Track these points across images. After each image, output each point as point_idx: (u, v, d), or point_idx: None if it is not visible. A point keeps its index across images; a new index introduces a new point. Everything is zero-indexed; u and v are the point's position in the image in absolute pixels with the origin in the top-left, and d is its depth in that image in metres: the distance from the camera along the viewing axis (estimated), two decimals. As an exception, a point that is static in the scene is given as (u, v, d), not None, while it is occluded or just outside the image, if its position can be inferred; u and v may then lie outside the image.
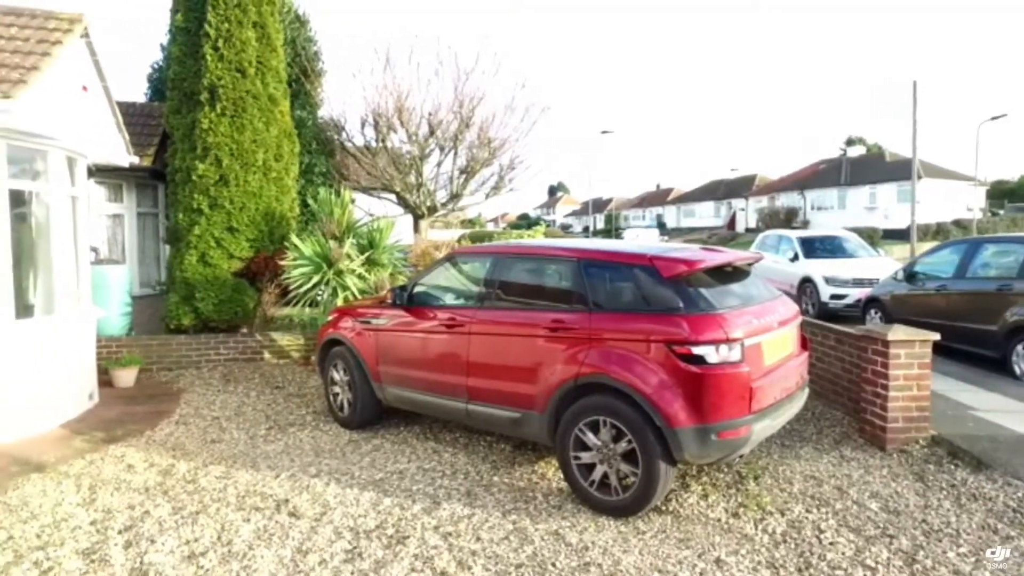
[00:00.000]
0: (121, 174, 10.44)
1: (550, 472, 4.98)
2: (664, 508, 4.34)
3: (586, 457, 4.36)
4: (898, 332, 5.23)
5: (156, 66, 15.12)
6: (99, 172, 9.67)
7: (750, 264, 5.06)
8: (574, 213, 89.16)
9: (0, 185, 5.74)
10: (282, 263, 8.25)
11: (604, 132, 46.40)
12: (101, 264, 8.93)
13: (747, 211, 52.56)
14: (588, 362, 4.33)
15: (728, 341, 3.98)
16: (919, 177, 25.31)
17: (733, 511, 4.29)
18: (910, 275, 9.42)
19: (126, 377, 7.78)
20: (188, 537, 4.02)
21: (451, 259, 5.85)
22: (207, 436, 6.02)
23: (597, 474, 4.31)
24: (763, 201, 49.88)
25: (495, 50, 14.84)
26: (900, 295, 9.39)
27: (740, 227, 51.32)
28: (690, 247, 5.16)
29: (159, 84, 14.20)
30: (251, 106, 9.29)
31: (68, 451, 5.61)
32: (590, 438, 4.32)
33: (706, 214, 60.50)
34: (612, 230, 58.13)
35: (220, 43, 9.15)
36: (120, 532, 4.10)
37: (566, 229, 75.87)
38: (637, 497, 4.15)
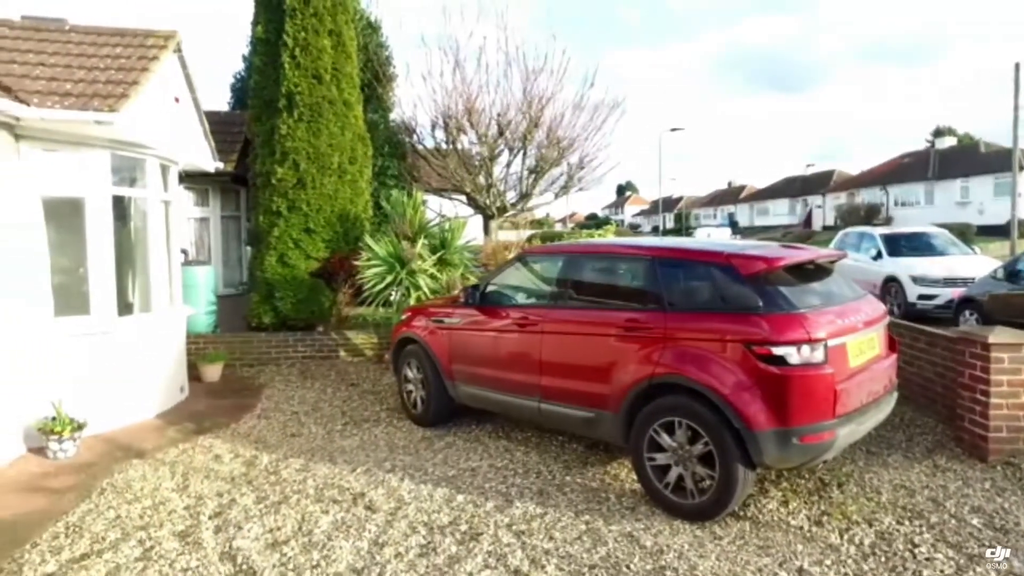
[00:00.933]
0: (207, 179, 10.98)
1: (623, 473, 4.92)
2: (742, 513, 4.21)
3: (661, 459, 4.28)
4: (1001, 334, 4.89)
5: (238, 76, 15.85)
6: (187, 178, 10.21)
7: (833, 262, 4.85)
8: (642, 213, 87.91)
9: (105, 192, 6.15)
10: (356, 263, 8.48)
11: (674, 129, 45.52)
12: (190, 265, 9.42)
13: (824, 208, 50.44)
14: (663, 362, 4.26)
15: (810, 341, 3.83)
16: (1021, 168, 23.52)
17: (816, 519, 4.12)
18: (1012, 273, 8.80)
19: (212, 372, 8.18)
20: (271, 525, 4.19)
21: (523, 258, 5.87)
22: (287, 430, 6.25)
23: (672, 476, 4.23)
24: (841, 198, 47.74)
25: (563, 47, 14.75)
26: (1001, 295, 8.79)
27: (817, 225, 49.28)
28: (769, 244, 5.00)
29: (241, 93, 14.88)
30: (327, 111, 9.60)
31: (163, 440, 5.95)
32: (665, 439, 4.24)
33: (780, 212, 58.42)
34: (682, 229, 56.99)
35: (297, 52, 9.50)
36: (210, 518, 4.31)
37: (635, 229, 74.88)
38: (714, 501, 4.05)
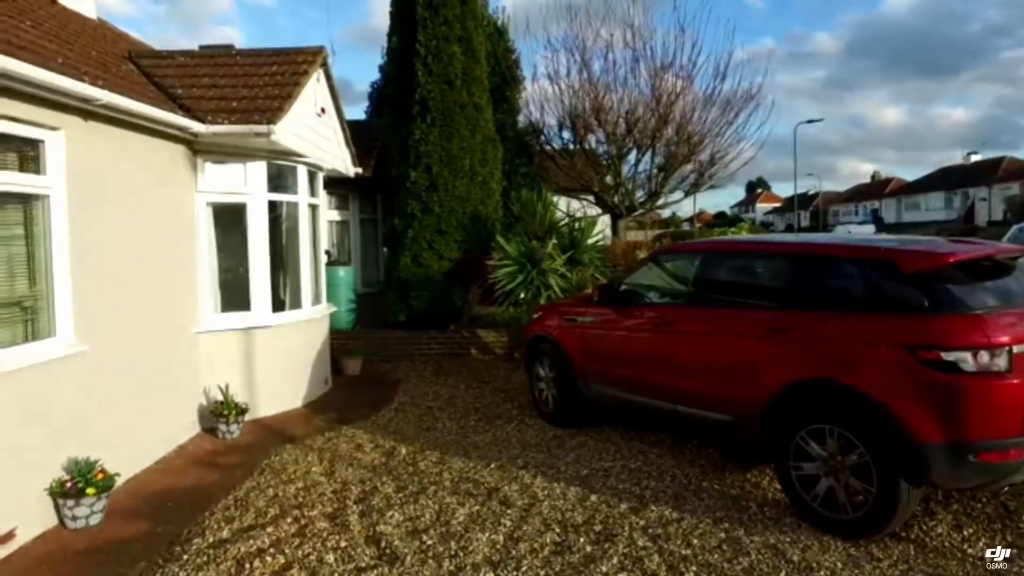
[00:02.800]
0: (347, 185, 11.67)
1: (764, 482, 4.67)
2: (903, 535, 3.85)
3: (808, 468, 4.01)
4: None
5: (375, 86, 16.74)
6: (329, 183, 10.91)
7: (1014, 258, 4.32)
8: (776, 210, 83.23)
9: (263, 198, 6.71)
10: (488, 263, 8.68)
11: (811, 121, 42.75)
12: (332, 266, 10.05)
13: (989, 201, 45.21)
14: (811, 364, 3.99)
15: (990, 346, 3.43)
16: None
17: (1002, 552, 3.65)
18: None
19: (353, 366, 8.69)
20: (411, 514, 4.37)
21: (657, 257, 5.74)
22: (423, 424, 6.50)
23: (821, 488, 3.95)
24: (1014, 188, 42.58)
25: (692, 41, 14.23)
26: None
27: (980, 219, 44.24)
28: (935, 239, 4.55)
29: (377, 102, 15.71)
30: (458, 115, 9.91)
31: (311, 428, 6.39)
32: (813, 448, 3.97)
33: (934, 206, 53.04)
34: (819, 227, 53.36)
35: (429, 59, 9.88)
36: (355, 502, 4.57)
37: (767, 227, 71.08)
38: (871, 518, 3.73)
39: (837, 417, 3.87)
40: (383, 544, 3.95)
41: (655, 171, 15.23)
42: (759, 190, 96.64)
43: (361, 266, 12.42)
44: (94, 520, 4.27)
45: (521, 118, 15.55)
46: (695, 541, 3.86)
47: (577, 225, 9.08)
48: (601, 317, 5.69)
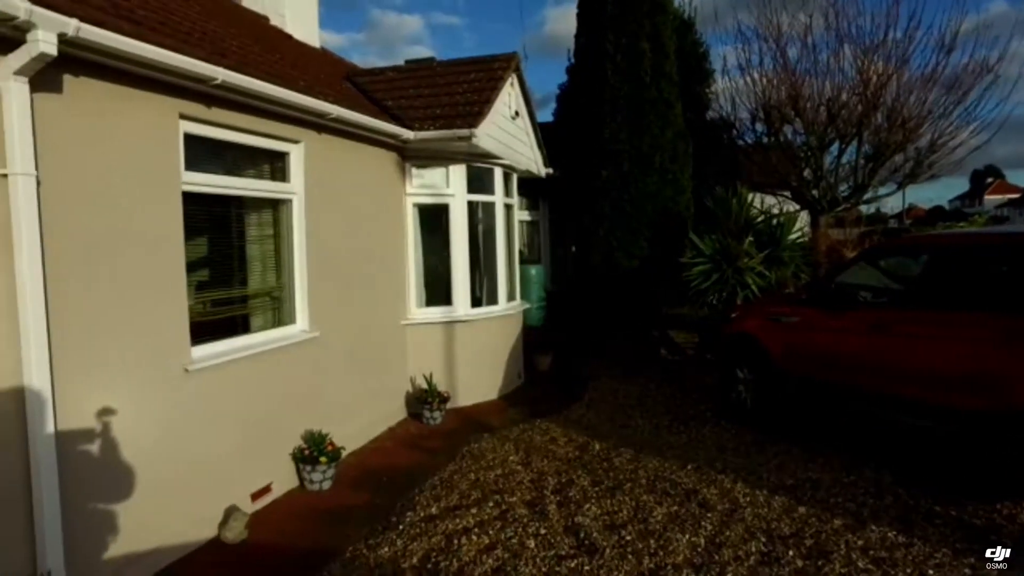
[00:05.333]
0: (538, 185, 12.00)
1: (1023, 515, 4.04)
2: None
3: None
4: None
5: (563, 88, 17.02)
6: (521, 184, 11.29)
7: None
8: (1011, 203, 71.74)
9: (463, 199, 7.14)
10: (680, 261, 8.45)
11: (1063, 96, 36.18)
12: (524, 264, 10.39)
13: None
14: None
15: None
16: None
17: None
18: None
19: (543, 362, 8.91)
20: (608, 508, 4.38)
21: (872, 253, 5.22)
22: (615, 421, 6.48)
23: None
24: None
25: (909, 14, 12.69)
26: None
27: None
28: None
29: (566, 104, 15.95)
30: (648, 112, 9.77)
31: (506, 419, 6.66)
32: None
33: None
34: (1073, 221, 45.02)
35: (618, 57, 9.85)
36: (552, 492, 4.68)
37: (1000, 222, 61.52)
38: None
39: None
40: (582, 535, 4.01)
41: (861, 162, 13.82)
42: (990, 179, 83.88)
43: (550, 264, 12.69)
44: (326, 485, 4.83)
45: (711, 113, 14.97)
46: (931, 572, 3.44)
47: (775, 222, 8.52)
48: (810, 317, 5.29)
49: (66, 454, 3.17)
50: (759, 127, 14.53)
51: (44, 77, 3.03)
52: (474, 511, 4.39)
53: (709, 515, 4.20)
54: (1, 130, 2.89)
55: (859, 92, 13.16)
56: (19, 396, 2.99)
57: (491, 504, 4.51)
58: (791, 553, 3.69)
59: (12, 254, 2.94)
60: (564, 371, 8.80)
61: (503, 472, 5.12)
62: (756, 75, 13.89)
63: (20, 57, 2.83)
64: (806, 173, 13.83)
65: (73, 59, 3.13)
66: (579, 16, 11.52)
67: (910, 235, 6.38)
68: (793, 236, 8.47)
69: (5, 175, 2.91)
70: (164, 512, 3.78)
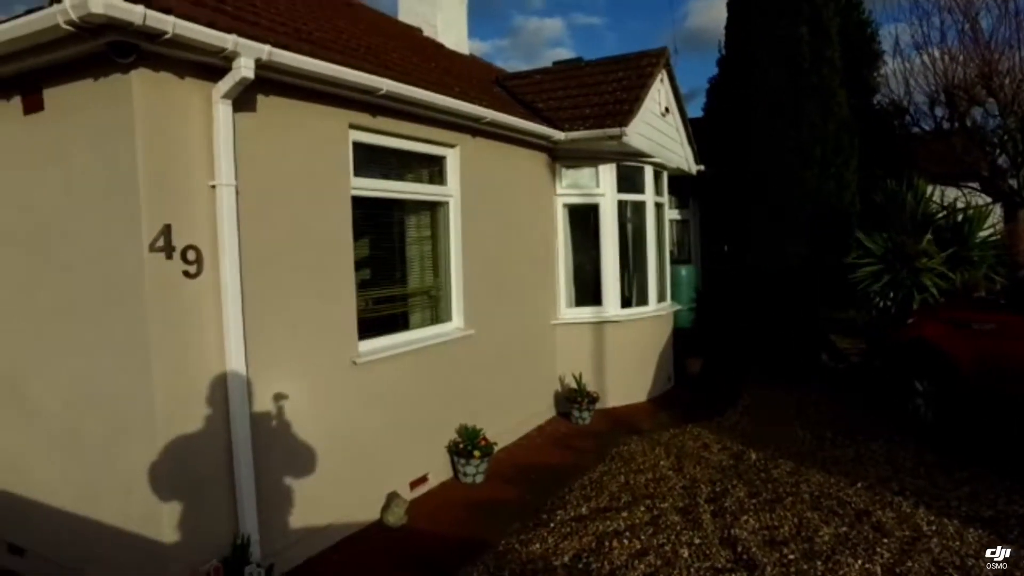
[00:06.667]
0: (687, 183, 11.62)
1: None
2: None
3: None
4: None
5: (712, 81, 16.33)
6: (671, 182, 10.98)
7: None
8: None
9: (612, 198, 7.08)
10: (845, 261, 7.80)
11: None
12: (674, 264, 10.10)
13: None
14: None
15: None
16: None
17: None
18: None
19: (694, 365, 8.61)
20: (767, 523, 4.14)
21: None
22: (772, 430, 6.12)
23: None
24: None
25: None
26: None
27: None
28: None
29: (716, 98, 15.29)
30: (806, 101, 9.10)
31: (656, 422, 6.52)
32: None
33: None
34: None
35: (773, 44, 9.25)
36: (706, 501, 4.51)
37: None
38: None
39: None
40: (739, 549, 3.83)
41: (1074, 145, 11.96)
42: None
43: (701, 265, 12.24)
44: (478, 479, 5.00)
45: (879, 97, 13.67)
46: None
47: (960, 217, 7.60)
48: (1011, 324, 4.67)
49: (256, 435, 3.55)
50: (939, 111, 13.06)
51: (241, 98, 3.40)
52: (624, 514, 4.34)
53: (885, 541, 3.84)
54: (211, 146, 3.29)
55: (1070, 65, 11.45)
56: (223, 383, 3.38)
57: (642, 508, 4.43)
58: (990, 594, 3.29)
59: (218, 256, 3.33)
60: (716, 375, 8.46)
61: (654, 476, 5.01)
62: (936, 52, 12.51)
63: (227, 82, 3.22)
64: (1001, 160, 12.23)
65: (262, 80, 3.48)
66: (730, 4, 11.01)
67: None
68: (984, 233, 7.51)
69: (214, 186, 3.30)
70: (335, 493, 4.10)
